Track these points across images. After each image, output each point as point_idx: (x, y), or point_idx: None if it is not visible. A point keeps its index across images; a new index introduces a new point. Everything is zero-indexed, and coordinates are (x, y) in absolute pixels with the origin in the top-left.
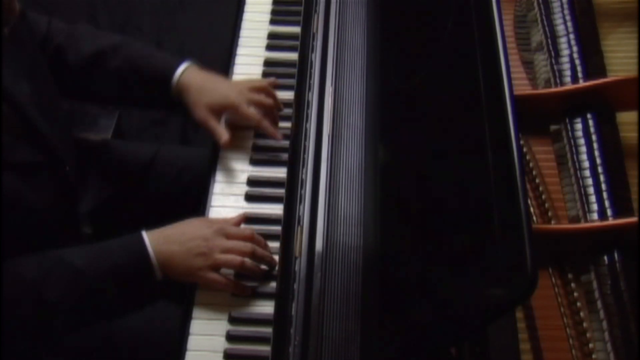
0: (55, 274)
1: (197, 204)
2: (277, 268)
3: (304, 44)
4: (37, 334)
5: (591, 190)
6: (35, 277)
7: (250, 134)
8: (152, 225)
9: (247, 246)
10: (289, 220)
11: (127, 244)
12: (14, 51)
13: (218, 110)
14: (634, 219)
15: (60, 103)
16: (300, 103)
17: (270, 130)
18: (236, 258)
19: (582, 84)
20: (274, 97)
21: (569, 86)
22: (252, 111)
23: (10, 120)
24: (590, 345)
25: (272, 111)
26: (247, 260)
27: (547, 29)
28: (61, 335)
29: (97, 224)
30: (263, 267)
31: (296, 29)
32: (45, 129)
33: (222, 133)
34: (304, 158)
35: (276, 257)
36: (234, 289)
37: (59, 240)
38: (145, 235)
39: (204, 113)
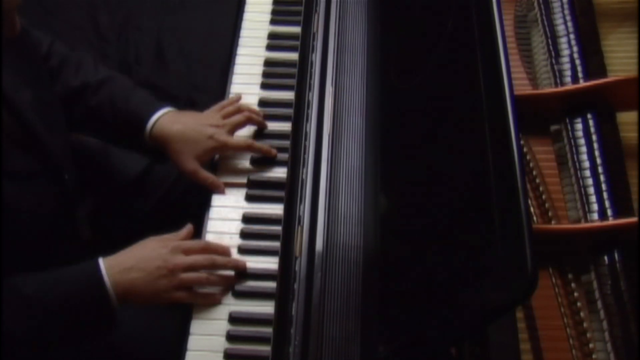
0: (6, 302)
1: (197, 205)
2: (277, 267)
3: (304, 44)
4: None
5: (591, 190)
6: None
7: (249, 135)
8: (154, 227)
9: (206, 259)
10: (289, 220)
11: (81, 274)
12: (16, 59)
13: (207, 158)
14: (634, 219)
15: (61, 113)
16: (300, 103)
17: (264, 149)
18: (200, 275)
19: (582, 84)
20: (245, 109)
21: (569, 86)
22: (238, 141)
23: (10, 128)
24: (591, 345)
25: (253, 122)
26: (211, 275)
27: (547, 29)
28: None
29: (97, 228)
30: (229, 273)
31: (296, 29)
32: (45, 137)
33: (215, 182)
34: (304, 158)
35: (276, 258)
36: (202, 301)
37: (57, 246)
38: (102, 264)
39: (192, 165)
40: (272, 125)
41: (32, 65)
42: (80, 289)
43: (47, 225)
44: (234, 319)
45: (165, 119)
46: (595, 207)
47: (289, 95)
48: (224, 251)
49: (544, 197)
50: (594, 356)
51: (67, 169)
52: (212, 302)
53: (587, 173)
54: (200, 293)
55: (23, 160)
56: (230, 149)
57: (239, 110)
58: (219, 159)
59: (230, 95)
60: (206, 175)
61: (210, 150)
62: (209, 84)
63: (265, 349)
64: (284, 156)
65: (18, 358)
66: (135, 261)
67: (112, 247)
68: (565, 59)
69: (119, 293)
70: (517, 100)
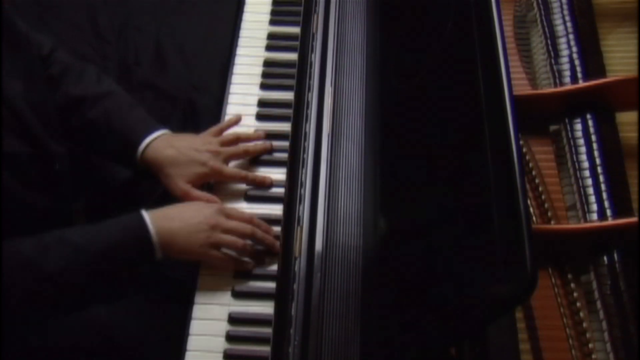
0: (55, 250)
1: None
2: (277, 266)
3: (303, 45)
4: (40, 309)
5: (591, 190)
6: (34, 253)
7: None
8: None
9: (247, 228)
10: (288, 220)
11: (127, 223)
12: (9, 52)
13: (198, 183)
14: (634, 219)
15: (54, 108)
16: (299, 103)
17: (258, 180)
18: (238, 240)
19: (581, 84)
20: (244, 137)
21: (569, 86)
22: (232, 172)
23: None
24: (590, 345)
25: (250, 155)
26: (249, 242)
27: (546, 29)
28: (64, 313)
29: (94, 217)
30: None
31: (296, 29)
32: (35, 125)
33: (211, 201)
34: (303, 158)
35: (275, 258)
36: (235, 266)
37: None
38: (145, 213)
39: (183, 187)
40: (272, 126)
41: (27, 61)
42: (126, 238)
43: (37, 212)
44: (233, 319)
45: (158, 142)
46: (594, 207)
47: (288, 95)
48: (267, 228)
49: (543, 197)
50: (593, 356)
51: (58, 159)
52: (243, 268)
53: (587, 173)
54: (233, 257)
55: (10, 143)
56: (223, 178)
57: (238, 139)
58: None
59: (230, 96)
60: (198, 194)
61: (202, 175)
62: (208, 84)
63: (265, 349)
64: (283, 156)
65: (69, 305)
66: (180, 213)
67: None
68: (565, 59)
69: (161, 240)
70: (516, 100)
